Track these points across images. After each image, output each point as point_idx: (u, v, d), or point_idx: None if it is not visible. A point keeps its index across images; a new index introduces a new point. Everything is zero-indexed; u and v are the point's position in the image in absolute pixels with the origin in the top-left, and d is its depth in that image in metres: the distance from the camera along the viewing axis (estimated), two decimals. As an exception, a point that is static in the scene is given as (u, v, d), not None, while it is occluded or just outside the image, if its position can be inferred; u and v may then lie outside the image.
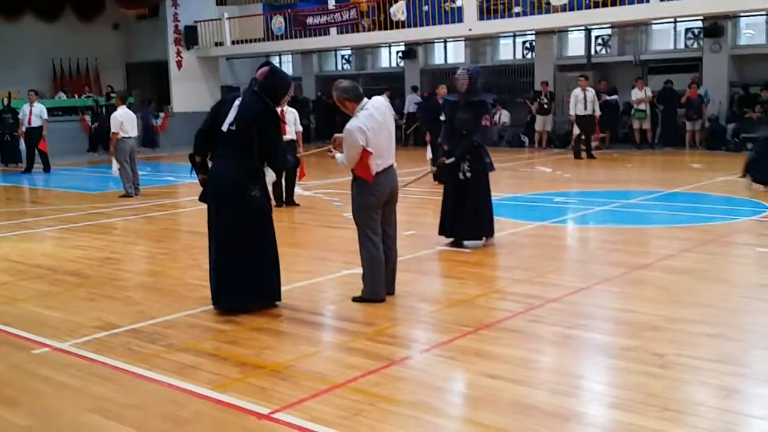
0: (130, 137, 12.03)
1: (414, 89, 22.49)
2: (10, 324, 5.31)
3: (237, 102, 5.27)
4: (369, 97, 5.56)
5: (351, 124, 5.35)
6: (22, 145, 17.60)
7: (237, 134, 5.19)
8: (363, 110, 5.40)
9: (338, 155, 5.57)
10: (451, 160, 7.22)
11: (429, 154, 11.77)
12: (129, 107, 12.67)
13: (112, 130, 11.91)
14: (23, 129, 16.93)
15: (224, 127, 5.23)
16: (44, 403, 3.93)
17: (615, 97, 19.02)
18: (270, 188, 5.82)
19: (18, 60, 22.47)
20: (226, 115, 5.26)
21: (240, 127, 5.18)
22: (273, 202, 5.69)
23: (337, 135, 5.67)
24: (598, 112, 16.49)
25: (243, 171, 5.21)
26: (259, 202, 5.27)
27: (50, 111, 18.61)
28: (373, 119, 5.37)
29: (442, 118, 11.83)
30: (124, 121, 11.90)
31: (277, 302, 5.48)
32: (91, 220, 10.02)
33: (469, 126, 7.19)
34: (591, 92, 16.36)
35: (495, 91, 20.20)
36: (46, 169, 16.90)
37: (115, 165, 12.02)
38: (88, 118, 22.67)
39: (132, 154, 12.14)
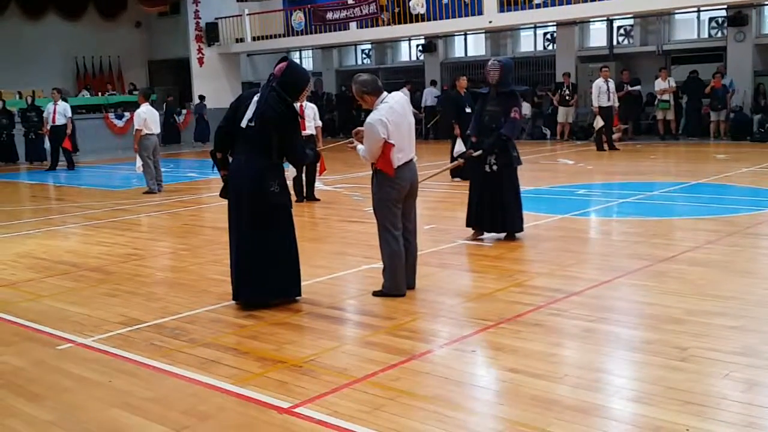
0: (153, 134, 12.13)
1: (433, 83, 22.44)
2: (35, 320, 5.38)
3: (255, 98, 5.28)
4: (389, 92, 5.55)
5: (372, 117, 5.34)
6: (47, 143, 17.83)
7: (256, 130, 5.21)
8: (383, 103, 5.39)
9: (359, 146, 5.56)
10: (479, 152, 7.19)
11: (459, 147, 11.56)
12: (152, 104, 12.76)
13: (136, 126, 12.01)
14: (48, 127, 17.13)
15: (243, 124, 5.25)
16: (68, 397, 3.99)
17: (638, 87, 18.84)
18: (290, 183, 5.85)
19: (41, 58, 22.77)
20: (245, 111, 5.28)
21: (258, 123, 5.19)
22: (293, 198, 5.69)
23: (358, 128, 5.67)
24: (616, 103, 16.44)
25: (262, 166, 5.23)
26: (279, 197, 5.29)
27: (74, 109, 18.80)
28: (393, 112, 5.36)
29: (468, 110, 11.87)
30: (148, 118, 11.99)
31: (297, 297, 5.50)
32: (114, 217, 10.12)
33: (498, 119, 7.15)
34: (612, 83, 16.28)
35: (516, 83, 20.07)
36: (70, 166, 17.10)
37: (138, 161, 12.12)
38: (112, 116, 22.88)
39: (155, 150, 12.23)
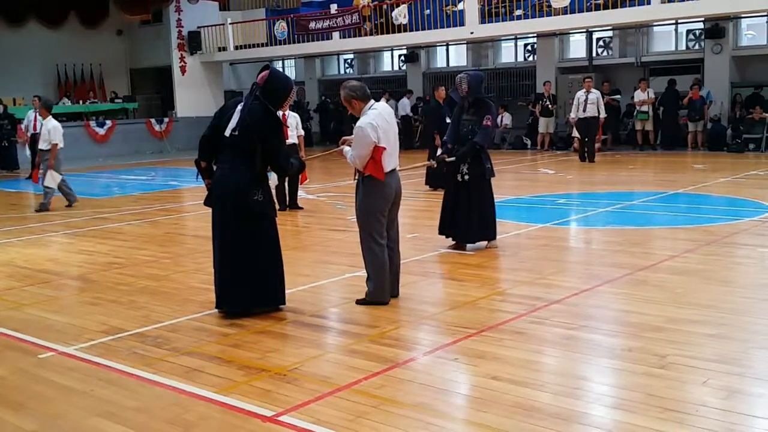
0: (62, 148, 11.58)
1: (409, 92, 22.68)
2: (17, 329, 5.35)
3: (239, 107, 5.30)
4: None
5: (362, 121, 5.38)
6: (27, 151, 17.66)
7: (239, 139, 5.22)
8: (371, 109, 5.45)
9: (346, 148, 5.58)
10: (452, 159, 7.24)
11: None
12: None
13: (54, 140, 11.36)
14: (28, 135, 16.99)
15: (227, 133, 5.27)
16: (50, 407, 3.96)
17: (618, 97, 19.05)
18: (273, 191, 5.86)
19: (22, 66, 22.59)
20: (228, 120, 5.29)
21: (242, 132, 5.21)
22: (277, 206, 5.71)
23: (346, 137, 5.71)
24: (603, 114, 16.36)
25: (246, 175, 5.24)
26: (263, 206, 5.30)
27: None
28: (381, 117, 5.43)
29: (448, 120, 11.97)
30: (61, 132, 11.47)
31: (281, 306, 5.51)
32: (95, 225, 10.06)
33: (472, 127, 7.22)
34: (594, 94, 16.23)
35: (497, 94, 20.25)
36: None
37: (56, 177, 11.40)
38: (93, 124, 22.76)
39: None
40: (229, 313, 5.38)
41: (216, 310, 5.47)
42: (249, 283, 5.29)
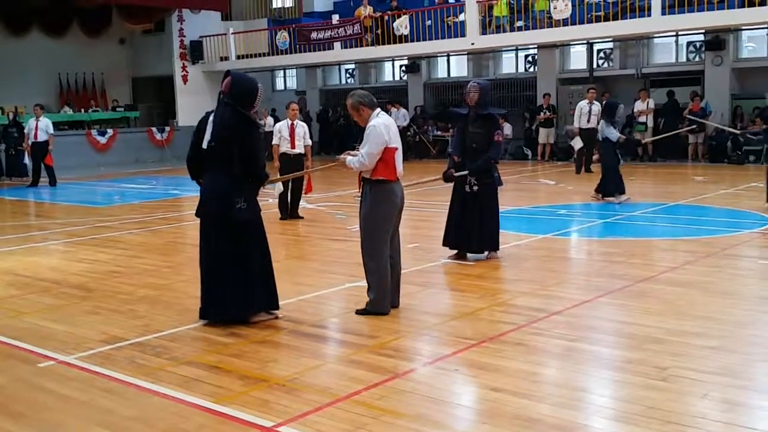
0: None
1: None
2: (16, 337, 5.34)
3: (212, 117, 5.32)
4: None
5: (375, 122, 5.46)
6: (27, 159, 17.70)
7: (216, 149, 5.24)
8: (380, 116, 5.54)
9: (348, 158, 5.58)
10: (464, 173, 7.26)
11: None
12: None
13: None
14: (29, 143, 17.02)
15: (204, 145, 5.30)
16: (49, 416, 3.96)
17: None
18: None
19: (25, 74, 22.64)
20: (204, 132, 5.32)
21: (218, 141, 5.22)
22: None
23: (348, 152, 5.77)
24: None
25: (227, 184, 5.24)
26: (246, 214, 5.28)
27: (56, 125, 18.70)
28: (390, 121, 5.58)
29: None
30: None
31: (275, 312, 5.49)
32: (96, 234, 10.06)
33: (480, 140, 7.25)
34: (597, 105, 16.18)
35: (497, 104, 20.28)
36: (52, 183, 16.98)
37: None
38: (94, 132, 22.82)
39: None
40: (216, 321, 5.37)
41: (216, 320, 5.44)
42: (233, 291, 5.26)
